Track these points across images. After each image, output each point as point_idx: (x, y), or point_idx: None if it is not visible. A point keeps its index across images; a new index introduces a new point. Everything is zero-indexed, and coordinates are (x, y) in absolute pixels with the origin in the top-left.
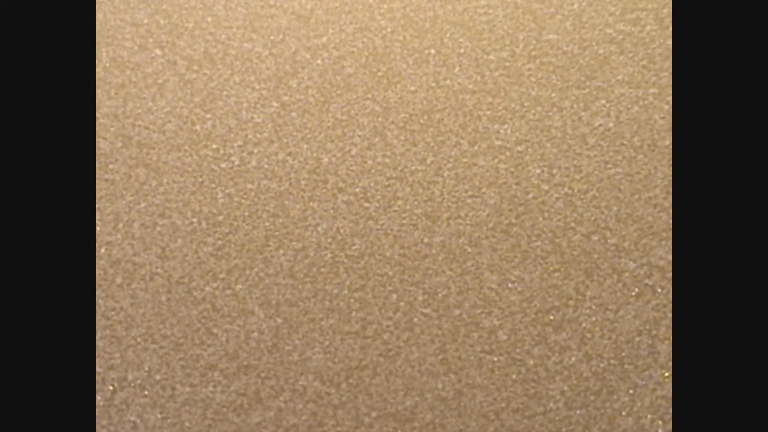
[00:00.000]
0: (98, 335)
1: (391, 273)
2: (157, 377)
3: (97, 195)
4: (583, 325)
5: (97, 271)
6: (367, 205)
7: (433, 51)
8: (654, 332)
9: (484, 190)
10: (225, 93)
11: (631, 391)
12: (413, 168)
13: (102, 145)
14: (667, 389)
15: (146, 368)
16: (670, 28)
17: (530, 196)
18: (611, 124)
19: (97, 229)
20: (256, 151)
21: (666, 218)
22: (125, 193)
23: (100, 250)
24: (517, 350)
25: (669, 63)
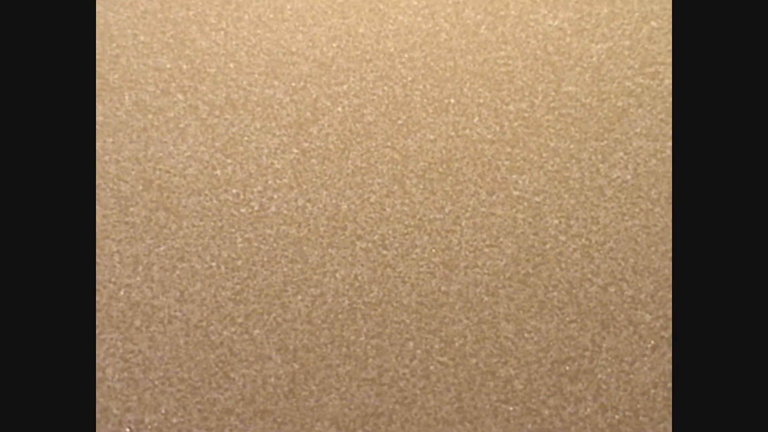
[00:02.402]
0: (116, 377)
1: (408, 321)
2: (174, 420)
3: (118, 238)
4: (599, 376)
5: (116, 314)
6: (385, 252)
7: (452, 100)
8: (670, 385)
9: (501, 239)
10: (246, 138)
11: None
12: (431, 216)
13: (123, 188)
14: None
15: (163, 411)
16: None
17: (547, 246)
18: (629, 177)
19: (117, 272)
20: (275, 196)
21: None
22: (145, 236)
23: (119, 293)
24: (533, 400)
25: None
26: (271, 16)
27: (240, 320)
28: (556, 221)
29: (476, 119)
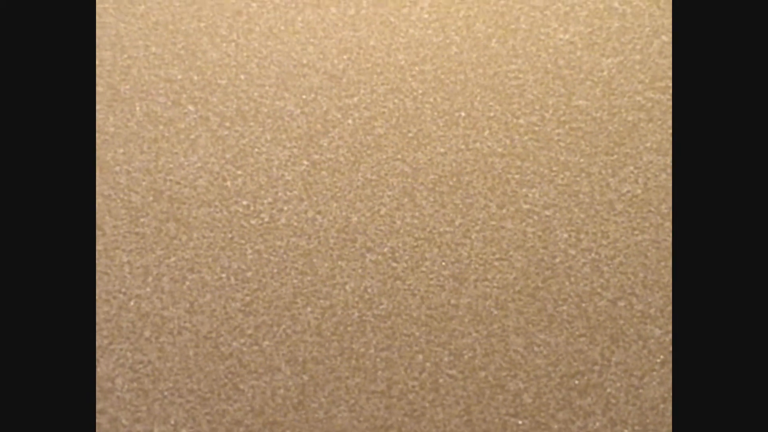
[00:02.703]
0: (125, 388)
1: (417, 333)
2: (183, 431)
3: (128, 248)
4: (608, 390)
5: (125, 324)
6: (395, 265)
7: (463, 114)
8: None
9: (511, 253)
10: (256, 150)
11: None
12: (441, 229)
13: (133, 198)
14: None
15: (172, 422)
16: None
17: (557, 260)
18: (639, 191)
19: (127, 282)
20: (285, 208)
21: None
22: (155, 247)
23: (129, 303)
24: (542, 414)
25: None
26: (282, 28)
27: (249, 332)
28: (565, 235)
29: (486, 132)
